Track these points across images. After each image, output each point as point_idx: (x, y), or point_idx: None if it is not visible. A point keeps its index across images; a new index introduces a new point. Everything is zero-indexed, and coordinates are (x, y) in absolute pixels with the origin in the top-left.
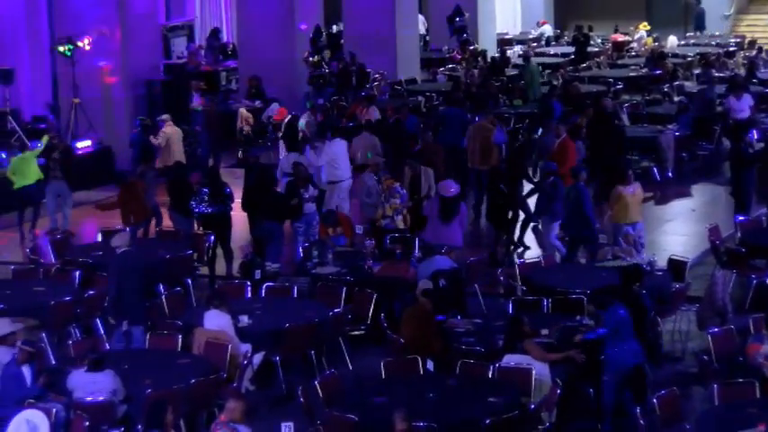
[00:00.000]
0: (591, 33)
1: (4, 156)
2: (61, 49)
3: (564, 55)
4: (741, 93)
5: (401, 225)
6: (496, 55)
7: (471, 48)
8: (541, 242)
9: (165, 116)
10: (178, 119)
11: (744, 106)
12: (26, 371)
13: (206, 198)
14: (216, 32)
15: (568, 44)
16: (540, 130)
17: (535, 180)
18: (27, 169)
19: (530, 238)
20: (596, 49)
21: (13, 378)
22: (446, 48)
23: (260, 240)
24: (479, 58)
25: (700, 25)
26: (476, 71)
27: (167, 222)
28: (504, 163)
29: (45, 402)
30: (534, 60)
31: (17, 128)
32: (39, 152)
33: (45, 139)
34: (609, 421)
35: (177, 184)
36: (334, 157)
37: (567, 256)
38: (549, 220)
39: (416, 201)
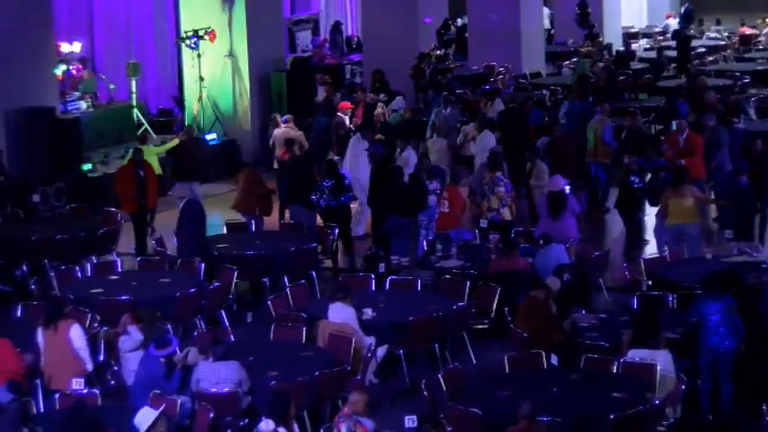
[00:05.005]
0: (689, 33)
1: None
2: (187, 43)
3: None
4: None
5: (508, 217)
6: (621, 48)
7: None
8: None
9: (282, 117)
10: (302, 112)
11: None
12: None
13: (326, 191)
14: (337, 26)
15: (693, 37)
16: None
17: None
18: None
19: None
20: (722, 43)
21: (154, 374)
22: (571, 41)
23: (386, 235)
24: (605, 52)
25: None
26: (601, 64)
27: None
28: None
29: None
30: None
31: (143, 121)
32: (163, 150)
33: (174, 141)
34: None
35: (298, 178)
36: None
37: None
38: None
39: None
